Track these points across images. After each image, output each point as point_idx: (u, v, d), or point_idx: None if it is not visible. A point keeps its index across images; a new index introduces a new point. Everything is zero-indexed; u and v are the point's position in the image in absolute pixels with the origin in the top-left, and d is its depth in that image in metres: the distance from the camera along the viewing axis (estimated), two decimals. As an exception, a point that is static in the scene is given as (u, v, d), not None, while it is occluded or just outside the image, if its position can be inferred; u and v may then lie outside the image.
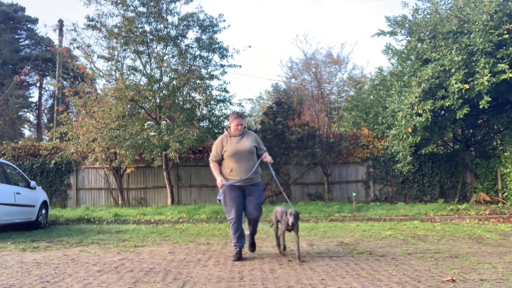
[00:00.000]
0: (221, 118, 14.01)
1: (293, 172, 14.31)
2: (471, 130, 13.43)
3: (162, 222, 10.22)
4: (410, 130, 10.54)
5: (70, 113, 16.36)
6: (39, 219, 9.48)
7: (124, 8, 12.74)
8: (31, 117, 33.47)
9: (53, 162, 13.86)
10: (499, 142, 13.61)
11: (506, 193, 11.32)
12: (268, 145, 13.15)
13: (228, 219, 5.11)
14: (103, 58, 13.16)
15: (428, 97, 10.23)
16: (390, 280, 3.93)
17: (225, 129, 5.32)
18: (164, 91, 12.90)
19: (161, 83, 12.98)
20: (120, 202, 13.92)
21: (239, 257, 5.02)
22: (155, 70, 13.19)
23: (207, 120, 14.25)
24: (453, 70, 9.69)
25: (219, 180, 5.02)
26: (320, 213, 10.89)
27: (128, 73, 13.21)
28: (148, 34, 12.88)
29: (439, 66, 9.89)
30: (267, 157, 5.09)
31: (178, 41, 13.21)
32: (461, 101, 9.72)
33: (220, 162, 5.18)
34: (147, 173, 14.51)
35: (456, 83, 9.57)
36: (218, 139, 5.24)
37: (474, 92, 9.48)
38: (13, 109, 26.37)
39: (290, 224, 4.85)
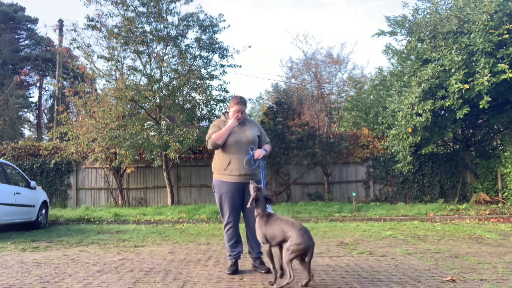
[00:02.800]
0: (221, 118, 14.01)
1: (293, 172, 14.31)
2: (471, 130, 13.43)
3: (162, 222, 10.22)
4: (410, 130, 10.54)
5: (70, 113, 16.36)
6: (39, 219, 9.48)
7: (124, 8, 12.75)
8: (31, 117, 33.51)
9: (53, 162, 13.86)
10: (499, 142, 13.61)
11: (506, 193, 11.32)
12: (268, 145, 13.15)
13: (223, 223, 4.42)
14: (103, 58, 13.17)
15: (428, 97, 10.23)
16: (390, 280, 3.92)
17: (222, 114, 4.50)
18: (164, 91, 12.90)
19: (161, 83, 12.98)
20: (120, 202, 13.92)
21: (235, 269, 4.32)
22: (155, 70, 13.19)
23: (207, 120, 14.25)
24: (453, 70, 9.68)
25: (230, 122, 4.30)
26: (320, 213, 10.89)
27: (128, 73, 13.22)
28: (148, 34, 12.88)
29: (439, 66, 9.89)
30: (257, 152, 4.29)
31: (178, 41, 13.21)
32: (461, 101, 9.72)
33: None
34: (147, 173, 14.51)
35: (456, 83, 9.57)
36: (216, 123, 4.42)
37: (474, 92, 9.48)
38: (13, 109, 26.37)
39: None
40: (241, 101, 4.33)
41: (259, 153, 4.26)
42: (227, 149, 4.30)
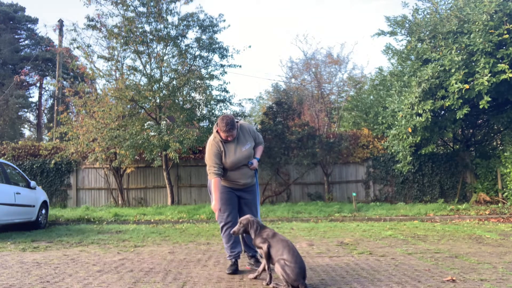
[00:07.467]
0: (221, 118, 14.01)
1: (293, 172, 14.31)
2: (471, 130, 13.42)
3: (162, 222, 10.22)
4: (410, 130, 10.54)
5: (70, 113, 16.37)
6: (39, 219, 9.48)
7: (124, 8, 12.75)
8: (31, 117, 33.54)
9: (53, 162, 13.86)
10: (499, 142, 13.61)
11: (506, 193, 11.32)
12: (268, 145, 13.17)
13: (220, 225, 4.44)
14: (103, 58, 13.18)
15: (428, 97, 10.23)
16: (390, 280, 3.92)
17: (214, 130, 4.38)
18: (164, 91, 12.90)
19: (161, 83, 12.99)
20: (120, 202, 13.92)
21: (235, 269, 4.36)
22: (155, 70, 13.20)
23: (207, 120, 14.26)
24: (453, 70, 9.68)
25: (217, 205, 4.24)
26: (320, 213, 10.89)
27: (128, 73, 13.23)
28: (148, 34, 12.89)
29: (439, 66, 9.89)
30: (254, 164, 4.44)
31: (178, 41, 13.22)
32: (461, 101, 9.72)
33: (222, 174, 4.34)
34: (147, 173, 14.51)
35: (456, 83, 9.57)
36: (213, 147, 4.31)
37: (474, 92, 9.48)
38: (13, 109, 26.38)
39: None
40: (227, 129, 4.19)
41: (255, 165, 4.47)
42: (226, 168, 4.37)
